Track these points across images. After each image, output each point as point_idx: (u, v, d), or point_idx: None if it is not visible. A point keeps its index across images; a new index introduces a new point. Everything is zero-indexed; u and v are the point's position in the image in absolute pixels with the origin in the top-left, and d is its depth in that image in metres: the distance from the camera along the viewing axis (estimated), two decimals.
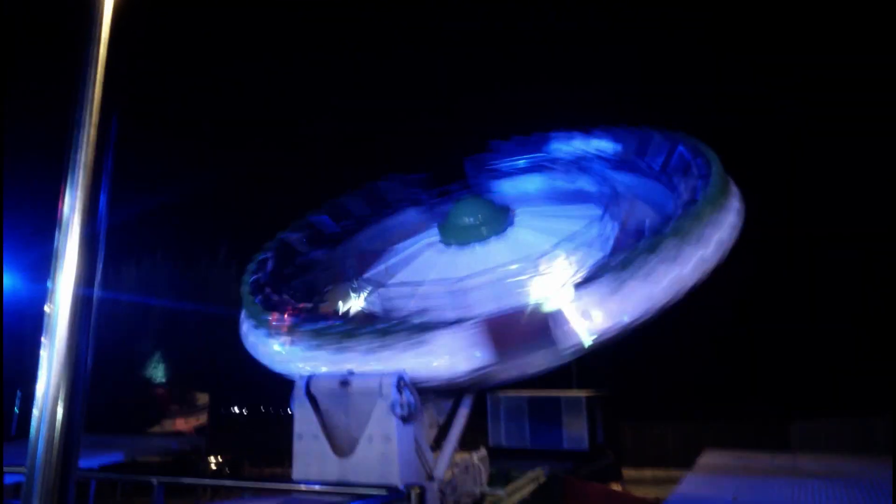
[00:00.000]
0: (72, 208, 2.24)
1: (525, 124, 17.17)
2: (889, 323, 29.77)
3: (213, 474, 26.39)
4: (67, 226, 2.22)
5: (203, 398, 33.62)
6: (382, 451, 10.66)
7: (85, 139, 2.38)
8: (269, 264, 14.69)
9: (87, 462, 14.59)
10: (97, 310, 2.31)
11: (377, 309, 13.34)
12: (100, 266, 2.30)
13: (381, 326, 11.54)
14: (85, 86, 2.43)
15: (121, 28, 2.51)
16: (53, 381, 2.07)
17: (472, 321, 10.97)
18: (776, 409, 28.18)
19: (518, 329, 10.76)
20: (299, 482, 8.24)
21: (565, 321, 10.53)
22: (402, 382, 10.75)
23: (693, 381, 31.96)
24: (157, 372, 31.22)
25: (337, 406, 11.32)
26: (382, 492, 3.66)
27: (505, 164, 16.91)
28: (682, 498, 10.33)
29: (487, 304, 11.64)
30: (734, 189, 12.73)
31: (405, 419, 10.77)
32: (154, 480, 4.47)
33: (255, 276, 14.08)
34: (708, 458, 15.02)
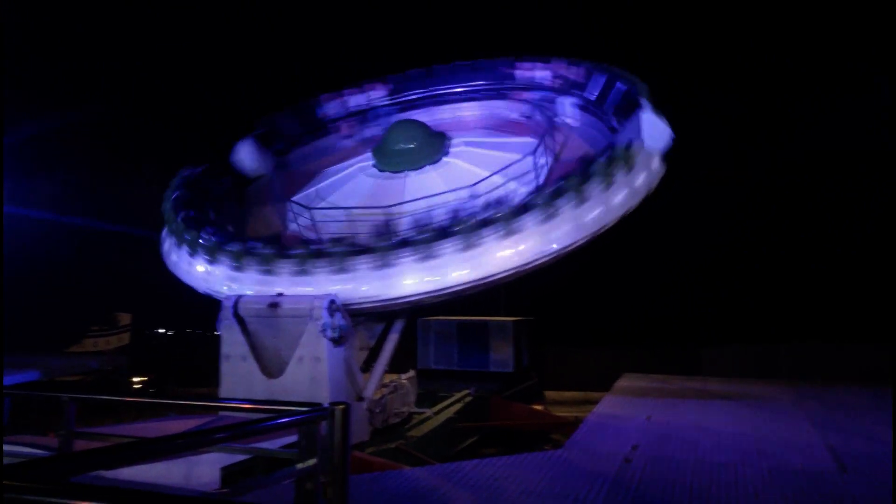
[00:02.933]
0: None
1: (467, 50, 16.80)
2: (791, 260, 31.73)
3: (136, 394, 26.01)
4: None
5: (125, 318, 32.71)
6: (312, 372, 10.70)
7: None
8: (193, 180, 14.09)
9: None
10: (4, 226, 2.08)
11: (307, 232, 13.09)
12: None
13: (313, 249, 11.35)
14: None
15: None
16: None
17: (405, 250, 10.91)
18: (689, 336, 29.82)
19: None
20: (225, 400, 8.17)
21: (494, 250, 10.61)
22: (333, 305, 10.71)
23: (614, 310, 33.33)
24: (76, 291, 30.03)
25: (265, 328, 11.20)
26: (306, 409, 3.60)
27: (444, 90, 16.55)
28: (600, 417, 10.87)
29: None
30: (666, 127, 12.82)
31: (336, 342, 10.80)
32: (64, 397, 4.27)
33: (176, 193, 13.48)
34: (625, 381, 15.81)
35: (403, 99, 16.59)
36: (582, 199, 10.63)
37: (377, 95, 16.67)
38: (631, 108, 12.13)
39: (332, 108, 16.71)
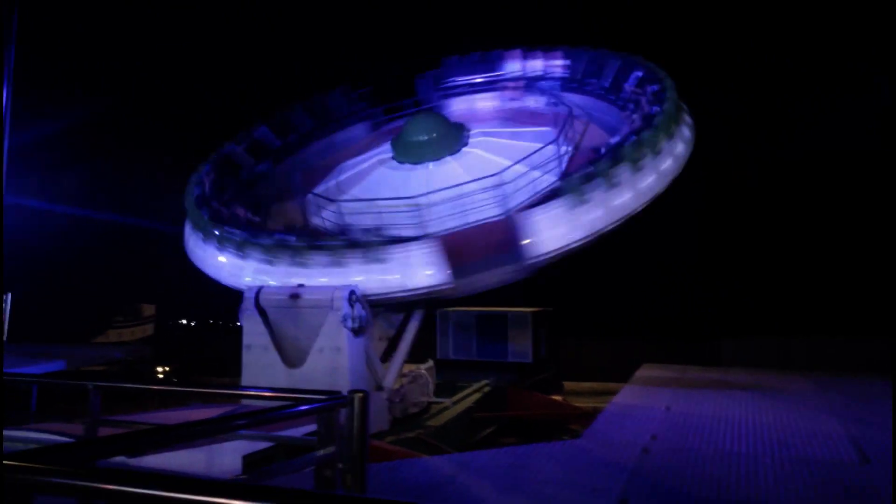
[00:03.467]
0: None
1: (480, 41, 16.74)
2: (804, 258, 31.41)
3: (160, 383, 26.41)
4: None
5: (149, 309, 33.20)
6: (332, 362, 10.80)
7: None
8: (213, 176, 14.21)
9: (28, 370, 14.37)
10: (8, 219, 2.15)
11: (330, 225, 13.15)
12: (4, 173, 2.13)
13: (341, 240, 11.43)
14: None
15: None
16: None
17: (428, 238, 10.98)
18: (708, 328, 29.60)
19: (473, 247, 10.83)
20: (246, 388, 8.28)
21: (519, 239, 10.65)
22: (353, 296, 10.79)
23: (633, 301, 33.17)
24: (101, 283, 30.55)
25: (286, 318, 11.31)
26: (324, 397, 3.65)
27: (458, 82, 16.50)
28: (619, 407, 10.85)
29: (445, 222, 11.63)
30: (687, 118, 12.74)
31: (356, 332, 10.88)
32: (90, 385, 4.37)
33: (198, 188, 13.61)
34: (644, 372, 15.73)
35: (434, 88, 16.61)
36: (598, 194, 10.61)
37: None
38: (653, 95, 12.06)
39: (341, 102, 16.80)
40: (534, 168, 12.28)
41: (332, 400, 3.60)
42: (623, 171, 10.84)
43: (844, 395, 12.03)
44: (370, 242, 11.10)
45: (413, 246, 11.00)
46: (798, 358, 22.89)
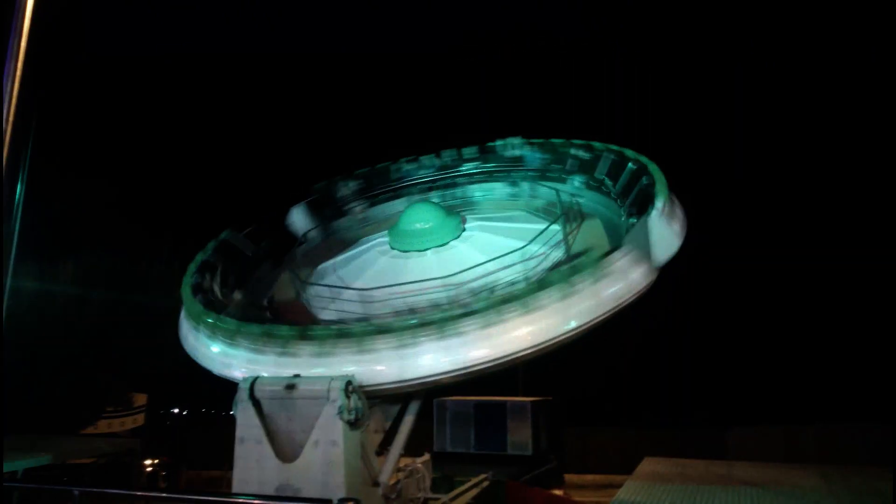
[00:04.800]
0: None
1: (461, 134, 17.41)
2: (815, 340, 31.22)
3: (149, 477, 25.57)
4: None
5: (141, 398, 32.54)
6: (328, 456, 10.49)
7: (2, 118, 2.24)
8: (211, 265, 14.31)
9: (11, 466, 13.90)
10: (9, 306, 2.18)
11: (330, 314, 13.10)
12: (10, 264, 2.18)
13: (334, 329, 11.34)
14: (3, 79, 2.29)
15: (41, 20, 2.38)
16: None
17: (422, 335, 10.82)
18: (713, 417, 29.07)
19: None
20: (235, 495, 7.99)
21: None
22: (350, 387, 10.61)
23: (635, 390, 32.72)
24: (92, 371, 30.06)
25: (281, 410, 11.07)
26: None
27: (457, 172, 16.96)
28: None
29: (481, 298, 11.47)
30: (678, 211, 12.86)
31: (352, 424, 10.63)
32: (75, 491, 4.24)
33: (195, 276, 13.67)
34: (647, 466, 15.30)
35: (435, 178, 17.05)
36: (588, 285, 10.59)
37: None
38: (641, 200, 12.19)
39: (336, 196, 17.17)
40: (510, 265, 12.33)
41: None
42: (613, 262, 10.83)
43: (854, 492, 11.68)
44: (357, 332, 10.97)
45: (413, 333, 10.88)
46: (806, 447, 22.35)
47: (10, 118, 2.30)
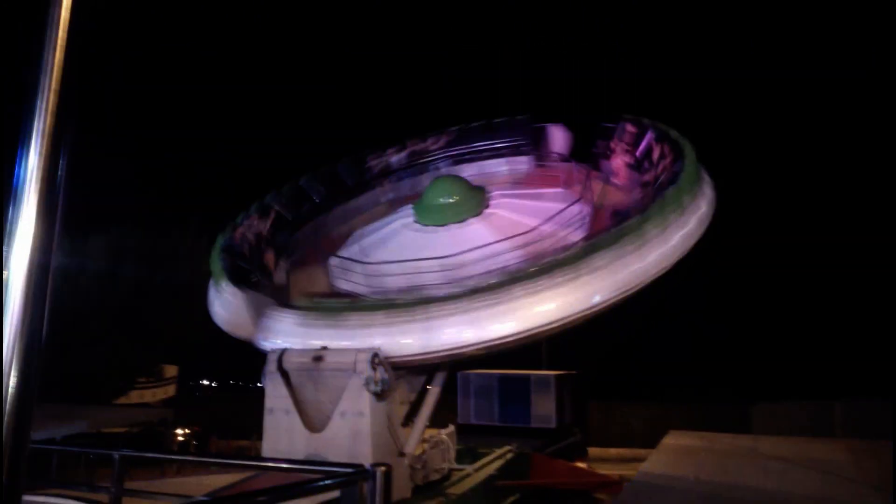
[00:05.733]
0: (29, 176, 2.16)
1: (492, 108, 17.18)
2: (846, 316, 30.69)
3: (180, 446, 26.25)
4: (24, 193, 2.13)
5: (171, 370, 33.29)
6: (355, 427, 10.65)
7: (45, 105, 2.27)
8: (241, 236, 14.45)
9: (50, 433, 14.38)
10: (54, 279, 2.23)
11: (359, 288, 13.18)
12: (57, 234, 2.22)
13: (383, 300, 11.39)
14: (45, 49, 2.31)
15: None
16: (6, 353, 1.98)
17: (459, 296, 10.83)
18: (739, 392, 28.87)
19: None
20: (263, 459, 8.19)
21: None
22: (376, 359, 10.71)
23: (660, 364, 32.56)
24: (125, 344, 30.78)
25: (309, 381, 11.24)
26: (349, 469, 3.63)
27: (477, 147, 16.85)
28: (647, 476, 10.53)
29: (476, 279, 11.50)
30: (706, 177, 12.74)
31: (379, 396, 10.76)
32: (115, 454, 4.38)
33: (224, 248, 13.80)
34: (672, 439, 15.30)
35: (446, 154, 16.92)
36: (619, 255, 10.50)
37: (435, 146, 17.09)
38: (669, 157, 12.11)
39: (376, 164, 17.10)
40: (561, 227, 12.28)
41: (356, 474, 3.58)
42: (642, 233, 10.72)
43: (884, 467, 11.55)
44: (408, 302, 11.01)
45: (439, 306, 10.91)
46: (832, 423, 22.08)
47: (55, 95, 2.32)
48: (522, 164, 16.22)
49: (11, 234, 2.07)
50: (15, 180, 2.15)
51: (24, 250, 2.07)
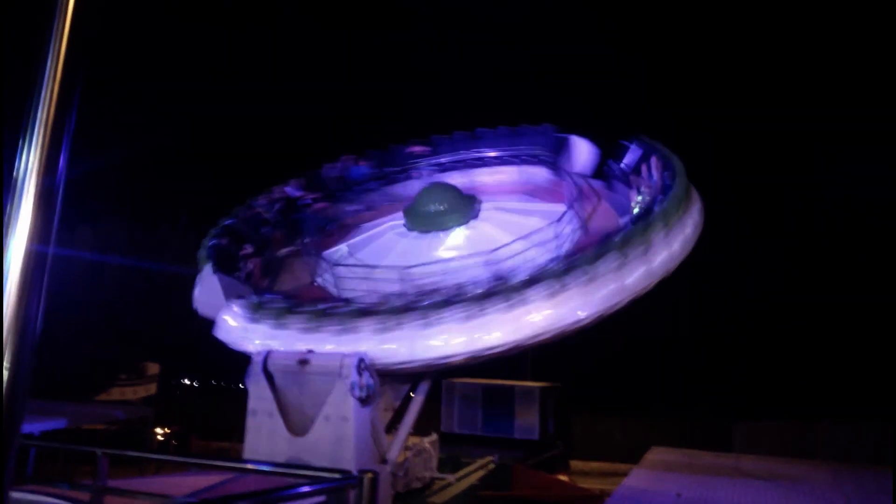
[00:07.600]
0: (28, 166, 2.14)
1: (488, 118, 17.24)
2: (829, 334, 30.93)
3: (160, 445, 25.96)
4: (24, 182, 2.12)
5: (154, 368, 32.95)
6: (338, 432, 10.60)
7: (47, 97, 2.26)
8: (231, 234, 14.40)
9: (28, 427, 14.16)
10: (50, 269, 2.22)
11: (330, 288, 13.18)
12: (55, 224, 2.21)
13: (358, 307, 11.39)
14: (49, 40, 2.30)
15: None
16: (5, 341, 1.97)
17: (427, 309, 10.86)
18: (721, 410, 28.98)
19: None
20: (248, 461, 8.12)
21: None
22: (362, 364, 10.68)
23: (644, 380, 32.64)
24: (107, 339, 30.45)
25: (293, 384, 11.18)
26: (336, 475, 3.61)
27: (476, 154, 16.86)
28: (628, 492, 10.54)
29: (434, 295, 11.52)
30: (696, 200, 12.77)
31: (363, 401, 10.72)
32: (99, 452, 4.33)
33: (213, 245, 13.73)
34: (654, 455, 15.35)
35: (441, 161, 16.94)
36: (600, 273, 10.49)
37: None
38: (658, 181, 12.18)
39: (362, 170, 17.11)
40: (533, 246, 12.25)
41: (344, 479, 3.56)
42: (628, 250, 10.76)
43: (862, 489, 11.65)
44: (381, 311, 11.05)
45: (429, 314, 10.89)
46: (813, 444, 22.21)
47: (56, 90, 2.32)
48: (530, 174, 16.19)
49: (10, 225, 2.06)
50: (14, 172, 2.14)
51: (21, 239, 2.06)
